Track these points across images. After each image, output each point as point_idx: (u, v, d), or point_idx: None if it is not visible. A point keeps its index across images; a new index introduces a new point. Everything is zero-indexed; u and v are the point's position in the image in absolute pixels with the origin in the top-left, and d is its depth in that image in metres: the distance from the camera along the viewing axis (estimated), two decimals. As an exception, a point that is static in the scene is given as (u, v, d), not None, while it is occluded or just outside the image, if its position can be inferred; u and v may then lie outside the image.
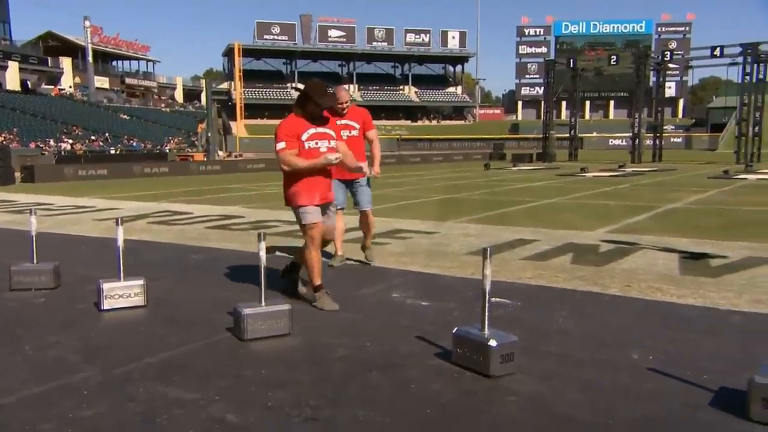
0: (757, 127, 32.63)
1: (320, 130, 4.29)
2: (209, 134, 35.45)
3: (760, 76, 32.42)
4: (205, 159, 32.47)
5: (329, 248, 6.19)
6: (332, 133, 4.38)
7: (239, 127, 55.06)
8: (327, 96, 4.37)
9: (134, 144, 45.03)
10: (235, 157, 38.70)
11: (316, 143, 4.26)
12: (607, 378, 2.97)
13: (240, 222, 9.12)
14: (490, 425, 2.55)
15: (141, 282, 4.32)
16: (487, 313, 3.03)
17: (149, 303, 4.33)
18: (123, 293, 4.25)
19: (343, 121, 5.65)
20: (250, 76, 69.78)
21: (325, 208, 4.39)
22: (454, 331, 3.17)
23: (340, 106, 5.63)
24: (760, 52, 31.84)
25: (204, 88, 56.44)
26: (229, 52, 71.73)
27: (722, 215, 9.64)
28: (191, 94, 76.63)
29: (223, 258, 6.30)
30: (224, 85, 72.94)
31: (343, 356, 3.33)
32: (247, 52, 68.56)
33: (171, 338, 3.65)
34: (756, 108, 32.53)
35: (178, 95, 75.37)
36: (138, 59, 71.10)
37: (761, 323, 3.84)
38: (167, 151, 40.50)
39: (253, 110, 68.22)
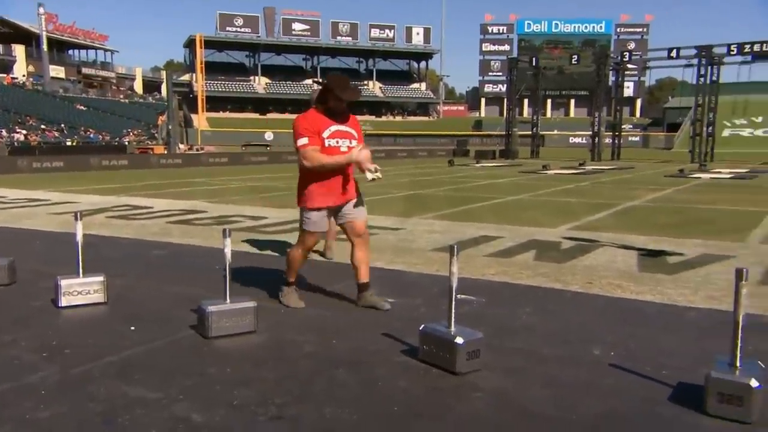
0: (710, 128, 33.65)
1: (342, 128, 3.99)
2: (170, 127, 34.81)
3: (714, 78, 33.40)
4: (166, 152, 31.87)
5: (288, 238, 6.16)
6: (353, 132, 4.06)
7: (201, 120, 54.26)
8: (350, 90, 4.02)
9: (92, 136, 43.97)
10: (197, 150, 38.08)
11: (337, 142, 3.96)
12: (570, 374, 3.02)
13: (203, 217, 8.98)
14: (456, 422, 2.56)
15: (101, 278, 4.22)
16: (453, 310, 3.05)
17: (109, 300, 4.23)
18: (82, 290, 4.14)
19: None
20: (212, 69, 68.76)
21: (341, 208, 4.10)
22: (420, 328, 3.19)
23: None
24: (713, 54, 32.80)
25: (165, 80, 55.42)
26: (190, 44, 70.58)
27: (678, 213, 9.90)
28: (151, 86, 75.16)
29: (186, 254, 6.21)
30: (185, 77, 71.76)
31: (309, 353, 3.31)
32: (209, 44, 67.59)
33: (132, 336, 3.58)
34: (710, 109, 33.52)
35: (138, 86, 73.85)
36: (95, 48, 69.39)
37: (715, 319, 3.95)
38: (126, 143, 39.71)
39: (215, 103, 67.30)
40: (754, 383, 2.47)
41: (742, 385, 2.48)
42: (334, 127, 3.95)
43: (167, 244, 6.70)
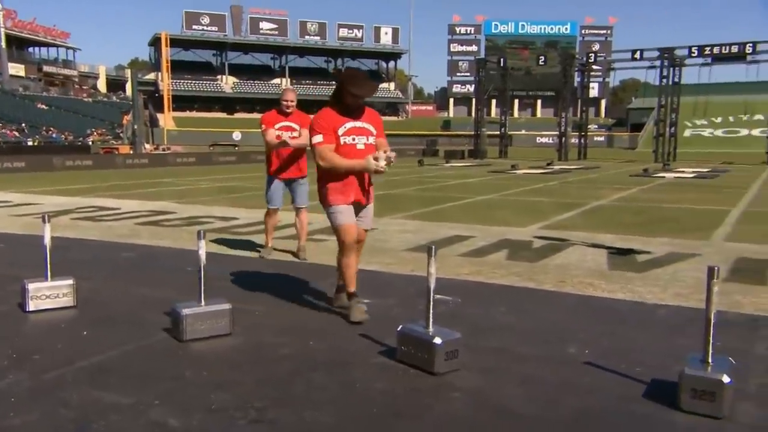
0: (673, 128, 34.41)
1: (358, 124, 3.84)
2: (135, 126, 34.22)
3: (676, 80, 34.17)
4: (132, 152, 31.33)
5: (261, 240, 6.13)
6: (371, 127, 3.89)
7: (167, 120, 53.47)
8: (365, 86, 3.86)
9: (54, 135, 42.95)
10: (163, 150, 37.50)
11: (353, 139, 3.82)
12: (546, 372, 3.06)
13: (172, 218, 8.85)
14: (436, 422, 2.57)
15: (70, 282, 4.12)
16: (431, 311, 3.06)
17: (79, 304, 4.13)
18: (50, 294, 4.04)
19: (289, 123, 5.78)
20: (178, 67, 67.79)
21: (358, 209, 3.94)
22: (398, 329, 3.19)
23: (285, 104, 5.79)
24: (675, 56, 33.55)
25: (129, 79, 54.40)
26: (155, 42, 69.44)
27: (644, 212, 10.10)
28: (115, 84, 73.75)
29: (156, 255, 6.11)
30: (151, 76, 70.63)
31: (287, 355, 3.29)
32: (175, 43, 66.62)
33: (104, 340, 3.50)
34: (672, 110, 34.27)
35: (101, 85, 72.41)
36: (57, 46, 67.77)
37: (685, 316, 4.04)
38: (90, 143, 38.90)
39: (181, 102, 66.38)
40: (725, 379, 2.53)
41: (714, 381, 2.54)
42: (350, 124, 3.82)
43: (136, 246, 6.58)
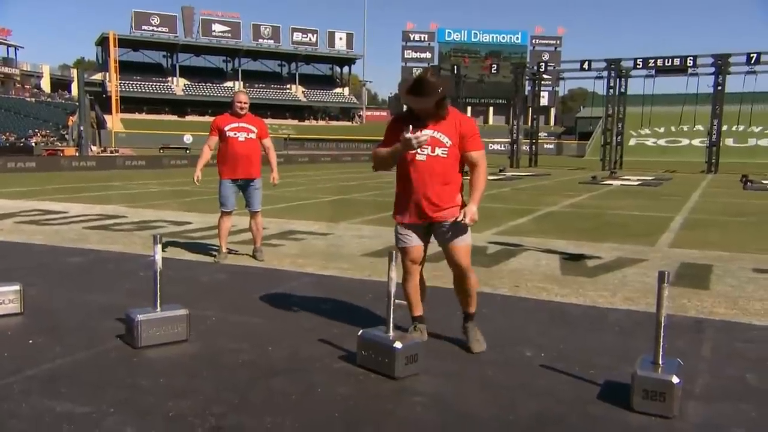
0: (619, 137, 35.41)
1: (427, 133, 3.32)
2: (82, 128, 33.18)
3: (623, 90, 35.24)
4: (78, 154, 30.36)
5: (215, 244, 6.04)
6: (444, 139, 3.34)
7: (115, 122, 52.09)
8: (411, 96, 3.32)
9: (-6, 136, 41.30)
10: (111, 152, 36.50)
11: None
12: (505, 376, 3.11)
13: (122, 222, 8.63)
14: (397, 426, 2.59)
15: (16, 287, 3.97)
16: (392, 315, 3.08)
17: (26, 311, 3.99)
18: (-5, 300, 3.89)
19: (242, 123, 5.80)
20: (126, 68, 66.21)
21: (433, 228, 3.48)
22: (359, 334, 3.19)
23: (238, 105, 5.79)
24: (621, 68, 34.59)
25: (75, 78, 52.82)
26: (102, 42, 67.72)
27: (594, 218, 10.37)
28: (60, 84, 71.40)
29: (107, 260, 5.95)
30: (98, 76, 68.78)
31: (246, 361, 3.25)
32: (124, 43, 65.05)
33: (54, 348, 3.39)
34: (618, 119, 35.29)
35: (45, 85, 69.98)
36: (-3, 43, 65.22)
37: (634, 320, 4.17)
38: (33, 144, 37.55)
39: (130, 104, 64.78)
40: (675, 380, 2.63)
41: (664, 381, 2.63)
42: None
43: (86, 251, 6.39)
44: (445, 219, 3.41)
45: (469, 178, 3.45)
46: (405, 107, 3.44)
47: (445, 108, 3.36)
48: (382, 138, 3.49)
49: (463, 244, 3.47)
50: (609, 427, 2.59)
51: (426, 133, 3.27)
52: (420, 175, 3.36)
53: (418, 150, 3.31)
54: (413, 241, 3.49)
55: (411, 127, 3.26)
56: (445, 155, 3.35)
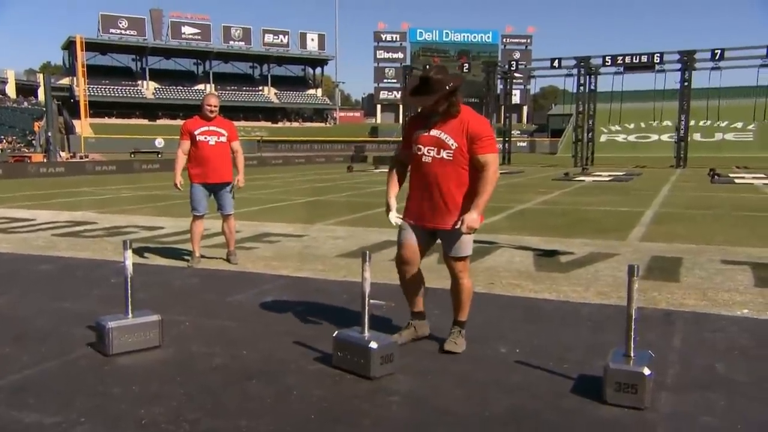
0: (590, 134, 35.89)
1: (434, 132, 3.26)
2: (49, 133, 32.64)
3: (593, 87, 35.72)
4: (46, 160, 29.84)
5: (187, 248, 5.97)
6: (449, 141, 3.21)
7: (84, 127, 51.17)
8: (412, 96, 3.27)
9: (-42, 143, 40.34)
10: (80, 158, 35.92)
11: (419, 149, 3.29)
12: (480, 372, 3.13)
13: (92, 228, 8.49)
14: (373, 426, 2.58)
15: (-18, 297, 3.89)
16: (367, 316, 3.07)
17: (-7, 320, 3.91)
18: (-39, 311, 3.80)
19: (212, 127, 5.75)
20: (95, 72, 65.05)
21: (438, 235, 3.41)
22: (335, 335, 3.18)
23: (208, 108, 5.74)
24: (591, 65, 35.06)
25: (41, 83, 51.83)
26: (69, 46, 66.43)
27: (566, 214, 10.49)
28: (26, 90, 70.08)
29: (76, 267, 5.84)
30: (65, 81, 67.44)
31: (219, 366, 3.22)
32: (91, 47, 63.90)
33: (22, 357, 3.32)
34: (589, 116, 35.76)
35: (10, 90, 68.62)
36: (-39, 48, 63.73)
37: (606, 314, 4.23)
38: (-1, 151, 36.78)
39: (99, 108, 63.63)
40: (646, 371, 2.67)
41: (636, 373, 2.67)
42: (424, 132, 3.29)
43: (54, 258, 6.28)
44: (444, 226, 3.30)
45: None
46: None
47: (455, 106, 3.22)
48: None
49: (458, 254, 3.35)
50: (583, 421, 2.61)
51: (396, 221, 3.42)
52: (425, 177, 3.28)
53: (425, 152, 3.25)
54: (408, 238, 3.41)
55: (395, 215, 3.42)
56: (450, 158, 3.21)
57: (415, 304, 3.60)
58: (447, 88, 3.16)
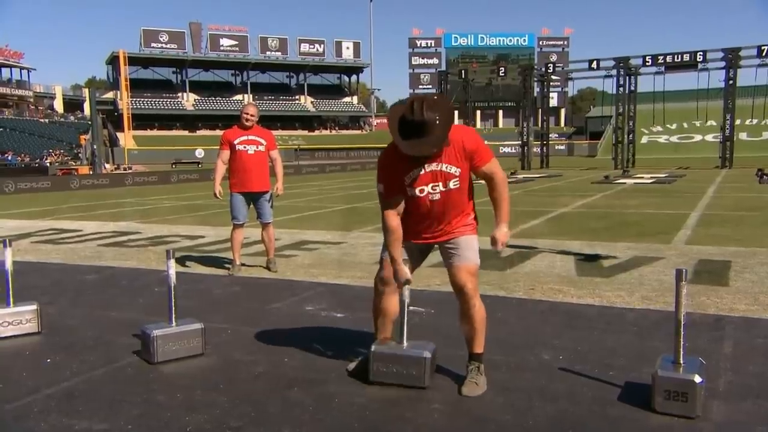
0: (631, 135, 35.20)
1: (432, 167, 2.88)
2: (95, 146, 33.52)
3: (632, 88, 35.05)
4: (91, 172, 30.68)
5: (228, 257, 6.05)
6: (452, 170, 2.89)
7: (127, 139, 52.58)
8: (403, 142, 2.79)
9: (9, 158, 41.80)
10: (124, 169, 36.84)
11: (421, 190, 2.92)
12: (522, 379, 3.08)
13: (136, 238, 8.68)
14: (416, 434, 2.56)
15: (33, 307, 4.00)
16: (405, 324, 3.04)
17: (43, 329, 4.02)
18: (13, 320, 3.92)
19: (251, 136, 5.83)
20: (137, 86, 66.79)
21: (418, 247, 3.15)
22: (373, 349, 3.04)
23: (245, 117, 5.82)
24: (630, 65, 34.42)
25: (87, 98, 53.44)
26: (113, 60, 68.39)
27: (607, 218, 10.29)
28: (72, 104, 72.23)
29: (121, 276, 5.98)
30: (109, 95, 69.42)
31: (262, 373, 3.24)
32: (134, 61, 65.66)
33: (71, 366, 3.40)
34: (629, 117, 35.09)
35: (58, 105, 70.84)
36: (10, 66, 66.03)
37: (652, 319, 4.12)
38: (48, 164, 37.97)
39: (141, 121, 65.39)
40: (697, 379, 2.58)
41: (686, 381, 2.59)
42: (420, 171, 2.90)
43: (101, 268, 6.43)
44: (453, 237, 3.05)
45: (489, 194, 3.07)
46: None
47: (447, 134, 2.81)
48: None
49: (468, 263, 3.03)
50: (630, 429, 2.54)
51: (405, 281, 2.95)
52: (430, 213, 2.98)
53: (430, 190, 2.91)
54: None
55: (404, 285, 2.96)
56: (458, 185, 2.94)
57: (382, 331, 3.20)
58: (445, 122, 2.77)
